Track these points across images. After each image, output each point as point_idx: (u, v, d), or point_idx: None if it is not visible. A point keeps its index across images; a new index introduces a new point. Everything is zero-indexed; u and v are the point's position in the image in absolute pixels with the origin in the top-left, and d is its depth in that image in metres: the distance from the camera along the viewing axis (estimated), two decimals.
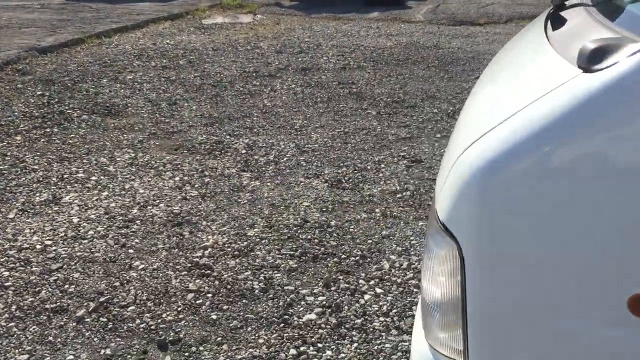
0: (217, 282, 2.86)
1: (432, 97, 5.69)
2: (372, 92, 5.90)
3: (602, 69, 0.92)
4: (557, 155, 0.94)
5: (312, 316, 2.61)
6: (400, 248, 3.11)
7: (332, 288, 2.80)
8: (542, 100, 0.98)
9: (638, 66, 0.87)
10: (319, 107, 5.48)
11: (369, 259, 3.03)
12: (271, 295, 2.76)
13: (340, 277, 2.88)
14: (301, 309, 2.67)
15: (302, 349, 2.44)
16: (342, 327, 2.54)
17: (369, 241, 3.19)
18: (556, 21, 1.32)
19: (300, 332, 2.52)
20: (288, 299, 2.73)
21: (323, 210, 3.53)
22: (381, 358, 2.39)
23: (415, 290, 2.77)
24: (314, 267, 2.98)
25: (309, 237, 3.24)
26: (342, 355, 2.41)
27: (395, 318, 2.58)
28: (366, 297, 2.74)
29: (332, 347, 2.45)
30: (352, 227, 3.34)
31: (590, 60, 0.95)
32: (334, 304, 2.68)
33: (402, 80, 6.29)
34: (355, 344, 2.45)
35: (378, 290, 2.78)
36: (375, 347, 2.44)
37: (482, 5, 10.75)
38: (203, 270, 2.94)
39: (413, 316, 2.59)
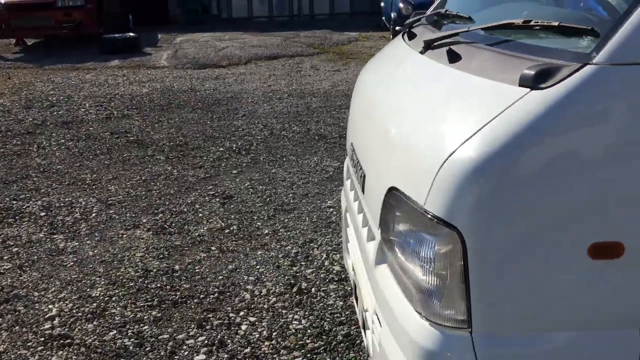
0: (83, 349, 2.69)
1: (212, 137, 5.91)
2: (151, 138, 5.89)
3: (549, 87, 1.29)
4: (532, 150, 1.27)
5: (202, 357, 2.63)
6: (252, 277, 3.27)
7: (207, 327, 2.85)
8: (508, 111, 1.31)
9: (580, 81, 1.26)
10: (102, 159, 5.30)
11: (228, 293, 3.13)
12: (149, 348, 2.70)
13: (210, 315, 2.94)
14: (186, 353, 2.67)
15: None
16: (236, 359, 2.62)
17: (220, 277, 3.28)
18: (453, 55, 1.69)
19: None
20: (168, 347, 2.70)
21: (160, 257, 3.51)
22: None
23: (284, 311, 2.96)
24: (178, 311, 2.97)
25: (158, 285, 3.21)
26: None
27: (279, 339, 2.75)
28: (243, 327, 2.84)
29: None
30: (197, 267, 3.39)
31: (536, 80, 1.31)
32: (217, 341, 2.73)
33: (176, 124, 6.38)
34: None
35: (251, 319, 2.90)
36: None
37: (218, 49, 11.29)
38: (61, 340, 2.74)
39: (294, 334, 2.79)
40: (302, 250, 3.57)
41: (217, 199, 4.35)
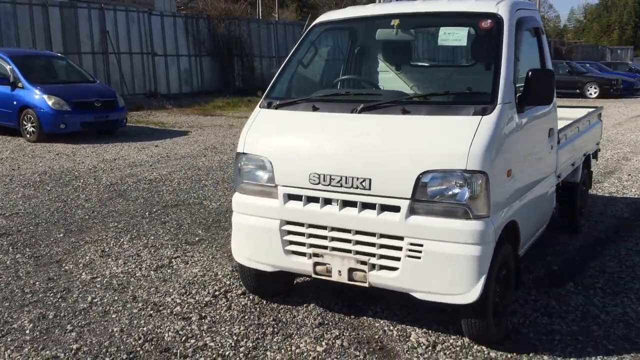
0: None
1: None
2: None
3: (489, 114, 3.44)
4: (499, 135, 3.40)
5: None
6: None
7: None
8: (482, 123, 3.37)
9: (499, 110, 3.46)
10: None
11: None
12: None
13: None
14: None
15: None
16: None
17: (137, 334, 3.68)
18: (404, 110, 3.47)
19: None
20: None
21: None
22: None
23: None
24: None
25: None
26: None
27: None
28: None
29: None
30: None
31: (482, 112, 3.41)
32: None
33: None
34: None
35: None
36: None
37: None
38: None
39: None
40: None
41: None
